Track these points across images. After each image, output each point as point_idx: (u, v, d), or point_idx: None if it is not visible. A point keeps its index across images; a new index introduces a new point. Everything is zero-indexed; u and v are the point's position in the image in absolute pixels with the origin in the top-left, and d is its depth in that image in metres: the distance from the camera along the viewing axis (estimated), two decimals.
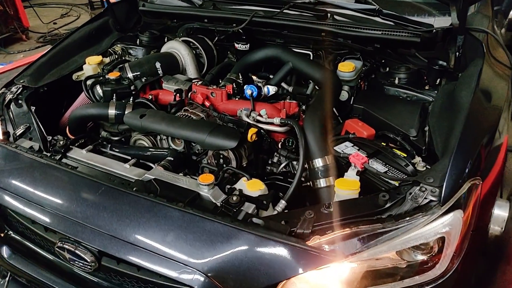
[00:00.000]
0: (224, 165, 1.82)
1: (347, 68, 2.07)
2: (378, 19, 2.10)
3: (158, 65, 2.26)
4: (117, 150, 1.95)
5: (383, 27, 2.05)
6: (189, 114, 1.91)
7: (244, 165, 1.82)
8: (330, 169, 1.60)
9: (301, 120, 1.87)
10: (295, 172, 1.82)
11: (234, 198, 1.46)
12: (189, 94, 2.04)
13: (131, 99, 2.03)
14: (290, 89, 2.21)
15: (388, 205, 1.34)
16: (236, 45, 2.44)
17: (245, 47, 2.42)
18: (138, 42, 2.60)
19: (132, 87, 2.08)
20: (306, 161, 1.63)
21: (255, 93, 1.96)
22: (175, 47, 2.38)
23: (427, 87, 1.94)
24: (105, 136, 2.08)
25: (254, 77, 2.27)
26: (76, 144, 1.92)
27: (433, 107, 1.80)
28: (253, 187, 1.56)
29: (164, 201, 1.41)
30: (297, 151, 1.79)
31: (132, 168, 1.72)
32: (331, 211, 1.36)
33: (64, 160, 1.76)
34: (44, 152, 1.81)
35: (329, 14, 2.21)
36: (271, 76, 2.34)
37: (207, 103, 1.98)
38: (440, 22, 2.06)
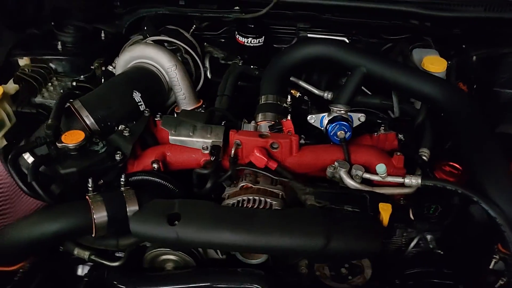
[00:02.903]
0: (350, 277, 1.07)
1: (437, 66, 1.40)
2: None
3: (137, 96, 1.27)
4: None
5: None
6: (258, 198, 1.04)
7: None
8: None
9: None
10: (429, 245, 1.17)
11: None
12: (232, 151, 1.14)
13: (122, 179, 1.05)
14: (327, 95, 1.44)
15: None
16: (241, 39, 1.55)
17: (258, 42, 1.55)
18: (60, 46, 1.49)
19: (118, 156, 1.09)
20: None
21: (348, 135, 1.17)
22: (149, 55, 1.37)
23: None
24: (86, 258, 1.06)
25: (293, 92, 1.43)
26: None
27: None
28: None
29: None
30: (440, 219, 1.12)
31: None
32: None
33: None
34: None
35: None
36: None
37: (272, 165, 1.13)
38: None
